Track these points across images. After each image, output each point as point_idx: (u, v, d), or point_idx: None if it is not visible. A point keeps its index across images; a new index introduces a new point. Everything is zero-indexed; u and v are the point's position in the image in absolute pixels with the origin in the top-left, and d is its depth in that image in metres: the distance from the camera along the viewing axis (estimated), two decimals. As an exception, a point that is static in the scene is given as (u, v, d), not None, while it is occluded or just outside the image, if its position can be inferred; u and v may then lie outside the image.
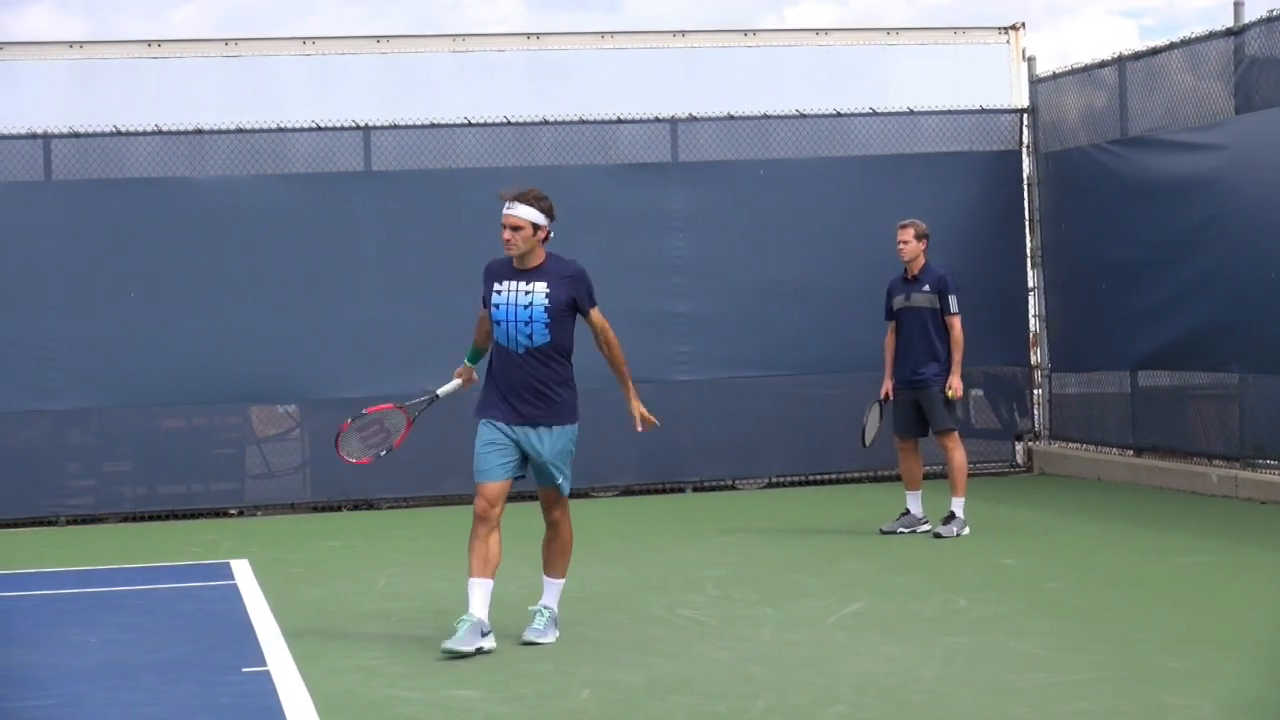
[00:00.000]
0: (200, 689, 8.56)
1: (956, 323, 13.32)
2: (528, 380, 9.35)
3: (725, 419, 17.03)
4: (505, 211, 9.35)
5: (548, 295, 9.34)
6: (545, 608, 9.54)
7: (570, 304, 9.38)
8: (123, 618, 10.75)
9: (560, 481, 9.45)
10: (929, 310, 13.36)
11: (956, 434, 13.55)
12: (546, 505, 9.56)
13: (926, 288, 13.37)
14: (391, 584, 11.80)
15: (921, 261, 13.44)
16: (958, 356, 13.32)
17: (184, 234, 16.26)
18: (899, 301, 13.52)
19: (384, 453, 10.16)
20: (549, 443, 9.39)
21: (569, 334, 9.42)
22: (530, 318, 9.34)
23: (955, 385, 13.31)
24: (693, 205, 16.96)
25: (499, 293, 9.42)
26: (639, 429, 9.73)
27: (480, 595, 9.25)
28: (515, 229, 9.32)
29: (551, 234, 9.44)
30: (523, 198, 9.33)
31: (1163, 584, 11.05)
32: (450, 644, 9.09)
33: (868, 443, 13.88)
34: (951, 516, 13.37)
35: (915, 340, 13.39)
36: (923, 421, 13.51)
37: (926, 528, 13.46)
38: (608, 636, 9.65)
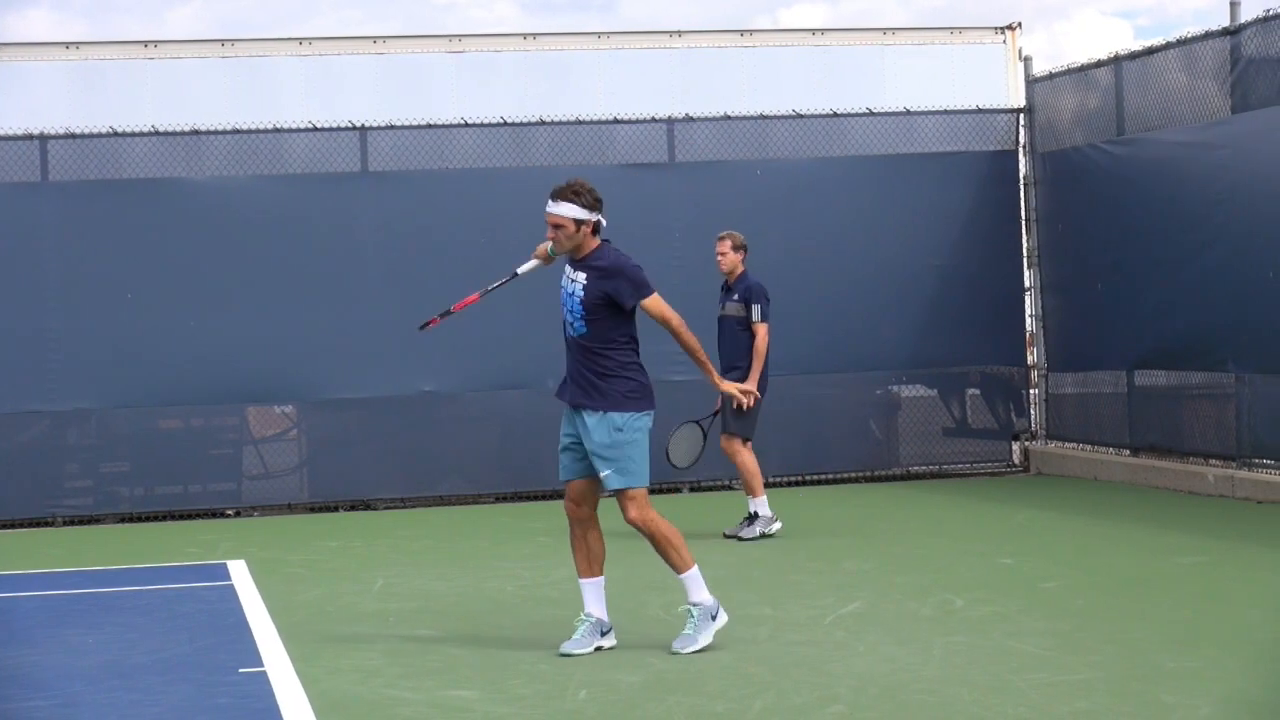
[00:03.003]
0: (198, 689, 8.56)
1: (760, 330, 13.40)
2: (576, 365, 9.27)
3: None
4: (546, 210, 9.27)
5: (584, 288, 9.20)
6: (691, 605, 9.24)
7: (604, 300, 9.17)
8: (121, 618, 10.75)
9: (607, 473, 9.18)
10: (737, 319, 13.54)
11: (738, 441, 13.53)
12: (620, 506, 9.31)
13: (736, 297, 13.59)
14: (389, 584, 11.80)
15: (739, 271, 13.61)
16: (757, 365, 13.37)
17: (181, 235, 16.26)
18: (719, 310, 13.72)
19: (443, 315, 10.04)
20: (592, 429, 9.20)
21: (609, 328, 9.19)
22: (572, 307, 9.24)
23: (742, 386, 13.34)
24: (690, 206, 16.97)
25: (563, 277, 9.34)
26: (743, 405, 10.02)
27: (592, 594, 9.31)
28: (557, 227, 9.26)
29: (601, 224, 9.30)
30: (561, 193, 9.22)
31: (1161, 584, 11.05)
32: (567, 646, 9.17)
33: (682, 463, 13.37)
34: (753, 517, 13.52)
35: (725, 348, 13.59)
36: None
37: (778, 526, 13.57)
38: (606, 636, 9.65)
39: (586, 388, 9.21)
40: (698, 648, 9.12)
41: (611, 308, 9.21)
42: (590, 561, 9.38)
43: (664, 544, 9.25)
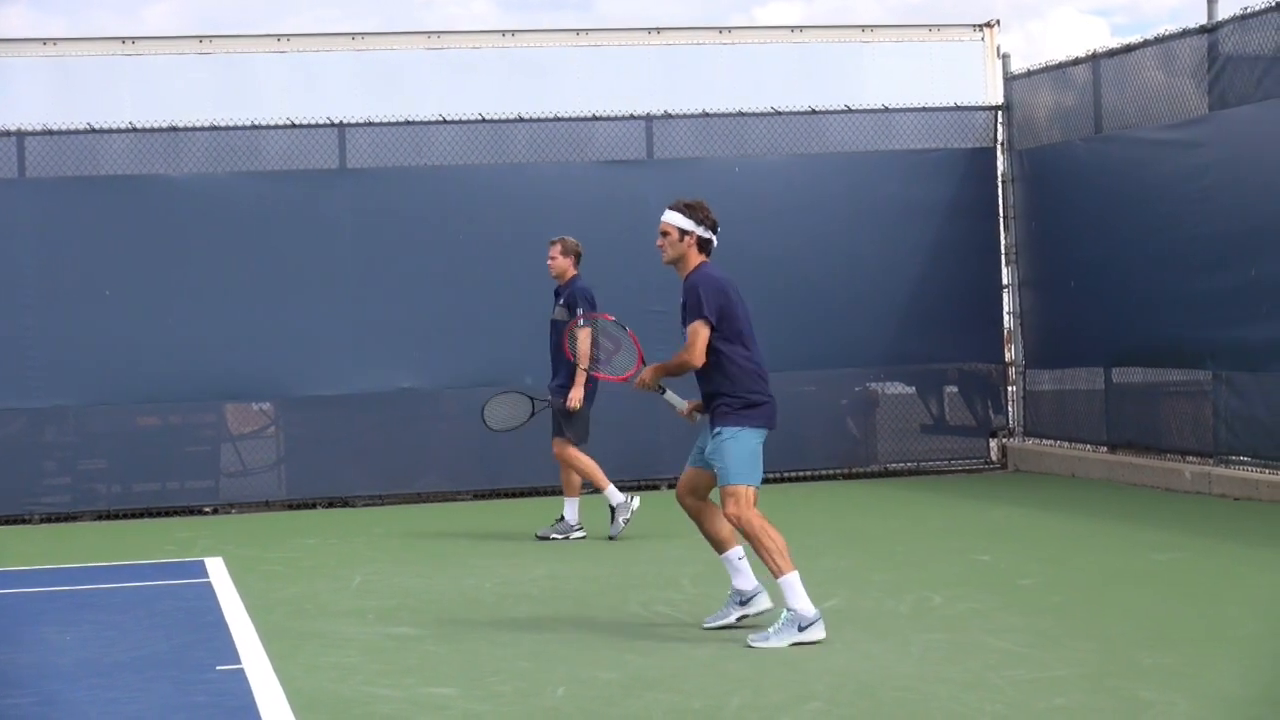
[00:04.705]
0: (176, 687, 8.55)
1: (580, 335, 13.06)
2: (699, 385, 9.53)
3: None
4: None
5: (681, 307, 9.51)
6: (786, 609, 9.19)
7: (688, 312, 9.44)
8: (98, 616, 10.73)
9: (717, 469, 9.36)
10: (562, 324, 13.42)
11: (569, 446, 13.55)
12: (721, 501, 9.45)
13: (562, 302, 13.56)
14: (367, 582, 11.79)
15: (569, 275, 13.60)
16: (581, 367, 13.04)
17: (159, 231, 16.23)
18: (551, 314, 13.75)
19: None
20: (710, 441, 9.42)
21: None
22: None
23: (572, 398, 13.41)
24: (668, 202, 16.90)
25: None
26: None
27: (729, 570, 9.60)
28: (663, 234, 9.60)
29: (708, 241, 9.60)
30: (675, 204, 9.64)
31: (1138, 580, 11.07)
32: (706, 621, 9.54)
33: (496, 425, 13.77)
34: (559, 520, 13.63)
35: (554, 352, 13.52)
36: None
37: (581, 534, 13.63)
38: (585, 634, 9.65)
39: (708, 405, 9.53)
40: (768, 646, 9.04)
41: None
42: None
43: (756, 546, 9.25)
